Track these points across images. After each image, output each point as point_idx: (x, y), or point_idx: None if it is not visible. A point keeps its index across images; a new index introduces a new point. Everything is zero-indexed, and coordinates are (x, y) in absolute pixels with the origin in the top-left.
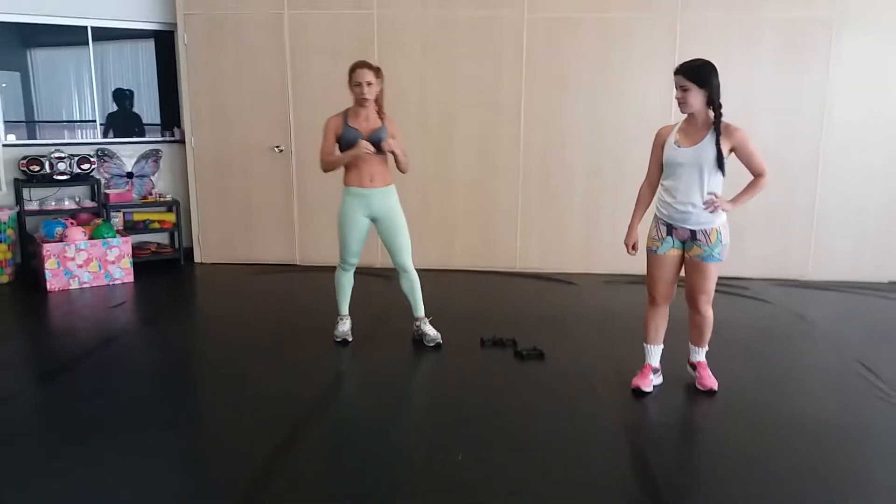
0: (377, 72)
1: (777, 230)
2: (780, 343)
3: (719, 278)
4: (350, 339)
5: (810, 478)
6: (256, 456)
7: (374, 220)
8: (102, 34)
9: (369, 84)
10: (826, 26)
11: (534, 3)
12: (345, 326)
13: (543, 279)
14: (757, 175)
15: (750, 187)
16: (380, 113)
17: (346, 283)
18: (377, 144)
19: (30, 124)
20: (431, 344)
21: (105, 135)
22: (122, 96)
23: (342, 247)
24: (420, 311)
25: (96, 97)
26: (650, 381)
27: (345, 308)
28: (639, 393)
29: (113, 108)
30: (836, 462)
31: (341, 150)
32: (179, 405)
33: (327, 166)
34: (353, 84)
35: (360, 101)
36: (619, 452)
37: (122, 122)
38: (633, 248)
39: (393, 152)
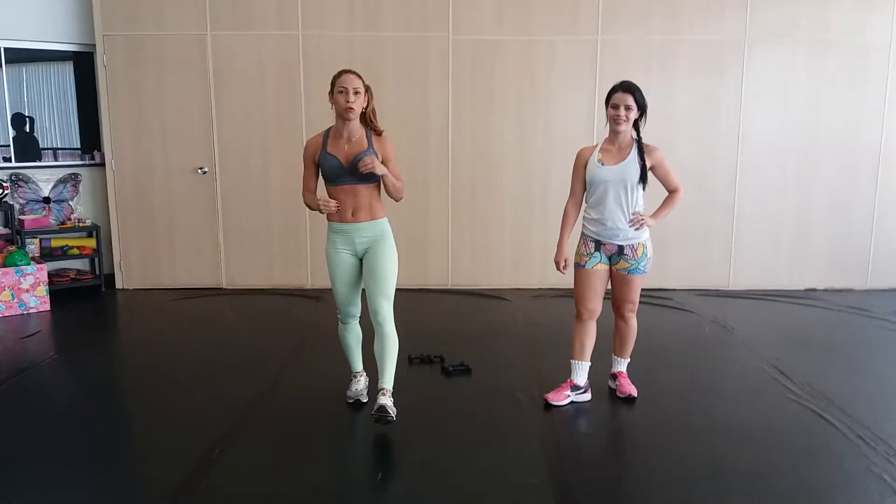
0: (366, 86)
1: (699, 242)
2: (700, 351)
3: (644, 290)
4: (365, 401)
5: (724, 480)
6: (169, 483)
7: (361, 258)
8: (17, 55)
9: (356, 92)
10: (738, 46)
11: (459, 26)
12: (359, 385)
13: (475, 295)
14: (673, 191)
15: (668, 203)
16: (373, 129)
17: (351, 341)
18: (357, 169)
19: None
20: (377, 416)
21: (6, 160)
22: (21, 120)
23: (334, 294)
24: (385, 380)
25: (9, 121)
26: (564, 396)
27: (357, 363)
28: (550, 406)
29: (13, 132)
30: (749, 464)
31: (325, 179)
32: (91, 435)
33: (305, 203)
34: (337, 90)
35: (344, 114)
36: (538, 465)
37: (24, 146)
38: (564, 266)
39: (376, 173)
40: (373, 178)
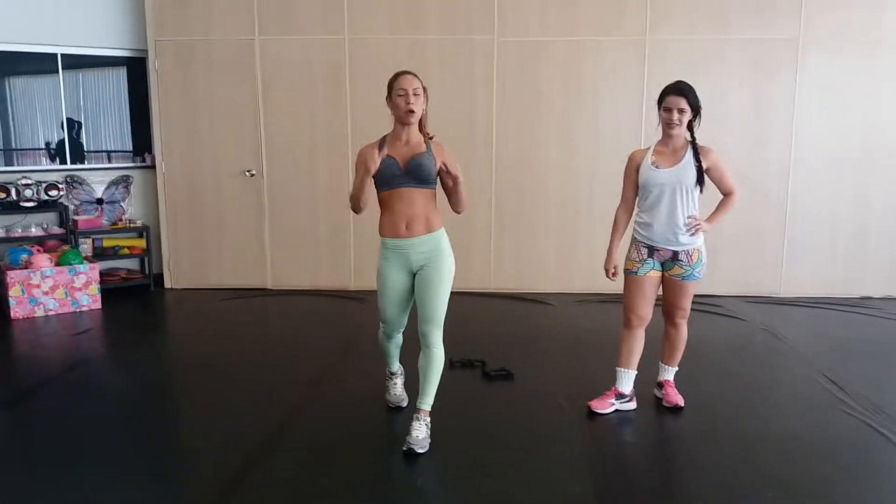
0: (424, 87)
1: (749, 248)
2: (751, 360)
3: (693, 296)
4: (405, 404)
5: (776, 494)
6: (213, 484)
7: (415, 275)
8: (73, 62)
9: (416, 95)
10: (792, 46)
11: (504, 28)
12: (396, 389)
13: (518, 299)
14: (728, 194)
15: (723, 206)
16: (422, 132)
17: (391, 349)
18: (417, 173)
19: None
20: (405, 448)
21: (52, 160)
22: (70, 125)
23: (380, 314)
24: (425, 401)
25: (66, 125)
26: (608, 405)
27: (395, 364)
28: (593, 414)
29: (69, 135)
30: (802, 477)
31: (377, 184)
32: (136, 433)
33: (353, 201)
34: (396, 94)
35: (405, 117)
36: (581, 474)
37: (65, 149)
38: (614, 273)
39: (451, 178)
40: (430, 182)
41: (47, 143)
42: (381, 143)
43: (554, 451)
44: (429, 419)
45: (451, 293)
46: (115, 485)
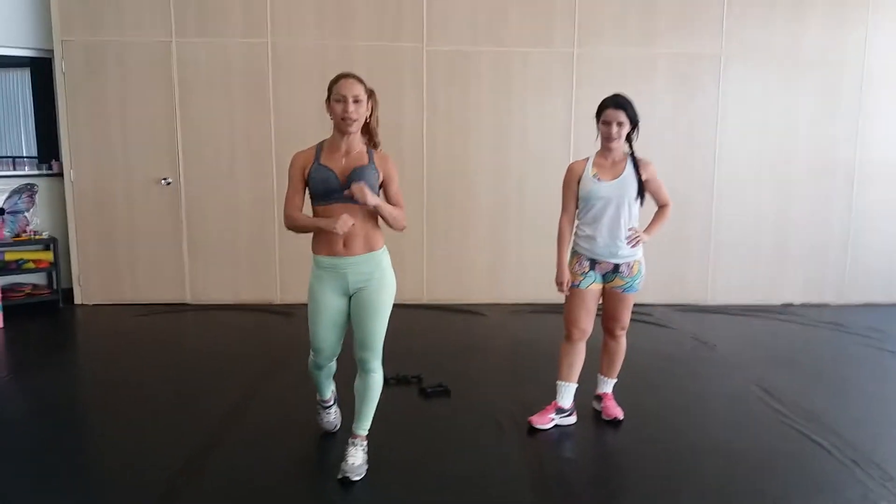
0: (369, 91)
1: (678, 257)
2: (683, 369)
3: None
4: (337, 430)
5: None
6: None
7: (350, 297)
8: None
9: (357, 101)
10: (715, 61)
11: (432, 36)
12: (330, 416)
13: (452, 311)
14: (664, 205)
15: (659, 217)
16: (371, 142)
17: (322, 378)
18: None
19: None
20: (341, 476)
21: None
22: None
23: (311, 338)
24: (362, 426)
25: None
26: (548, 420)
27: (327, 392)
28: (534, 430)
29: None
30: (742, 490)
31: (311, 196)
32: (42, 464)
33: (291, 225)
34: (334, 99)
35: (342, 125)
36: (520, 491)
37: None
38: (567, 285)
39: (368, 203)
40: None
41: None
42: (318, 151)
43: (494, 470)
44: (366, 444)
45: None
46: None
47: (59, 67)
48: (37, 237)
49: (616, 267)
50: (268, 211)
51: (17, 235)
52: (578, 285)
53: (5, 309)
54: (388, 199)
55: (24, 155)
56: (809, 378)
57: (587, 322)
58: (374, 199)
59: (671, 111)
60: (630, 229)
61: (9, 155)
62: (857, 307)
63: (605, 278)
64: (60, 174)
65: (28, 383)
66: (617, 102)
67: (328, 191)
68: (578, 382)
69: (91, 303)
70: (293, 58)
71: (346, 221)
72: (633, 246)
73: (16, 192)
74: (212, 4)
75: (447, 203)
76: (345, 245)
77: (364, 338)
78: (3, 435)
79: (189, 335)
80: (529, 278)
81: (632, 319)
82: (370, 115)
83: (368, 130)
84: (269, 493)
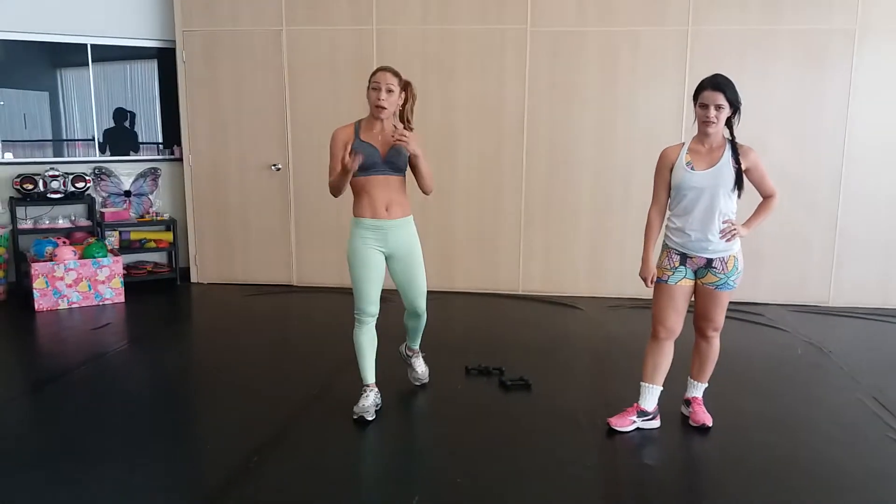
0: (404, 83)
1: (796, 253)
2: (791, 376)
3: (732, 304)
4: (370, 419)
5: None
6: (203, 486)
7: (388, 256)
8: (103, 53)
9: (389, 91)
10: (847, 37)
11: (537, 17)
12: (367, 401)
13: (547, 303)
14: (768, 196)
15: (762, 210)
16: (405, 126)
17: (366, 344)
18: (396, 162)
19: (28, 143)
20: (418, 383)
21: (103, 152)
22: (122, 115)
23: (356, 294)
24: (417, 343)
25: (94, 116)
26: (629, 422)
27: (370, 374)
28: (613, 432)
29: (110, 125)
30: None
31: (355, 172)
32: (140, 427)
33: (331, 189)
34: (372, 87)
35: (375, 112)
36: (589, 495)
37: (117, 139)
38: (652, 280)
39: (412, 156)
40: (404, 170)
41: (93, 136)
42: (357, 129)
43: (567, 471)
44: (422, 355)
45: (478, 294)
46: (124, 472)
47: (179, 57)
48: (159, 218)
49: (709, 262)
50: None
51: (142, 216)
52: (667, 280)
53: (128, 285)
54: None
55: (151, 141)
56: None
57: (675, 320)
58: (417, 148)
59: (794, 94)
60: (725, 222)
61: (141, 141)
62: None
63: (697, 274)
64: (181, 159)
65: (144, 352)
66: (715, 83)
67: (371, 164)
68: (665, 386)
69: (206, 281)
70: (397, 44)
71: (356, 158)
72: (727, 240)
73: (141, 175)
74: None
75: (547, 191)
76: (387, 210)
77: (416, 289)
78: (117, 395)
79: (291, 315)
80: (631, 271)
81: (740, 319)
82: (404, 104)
83: (403, 118)
84: (337, 473)
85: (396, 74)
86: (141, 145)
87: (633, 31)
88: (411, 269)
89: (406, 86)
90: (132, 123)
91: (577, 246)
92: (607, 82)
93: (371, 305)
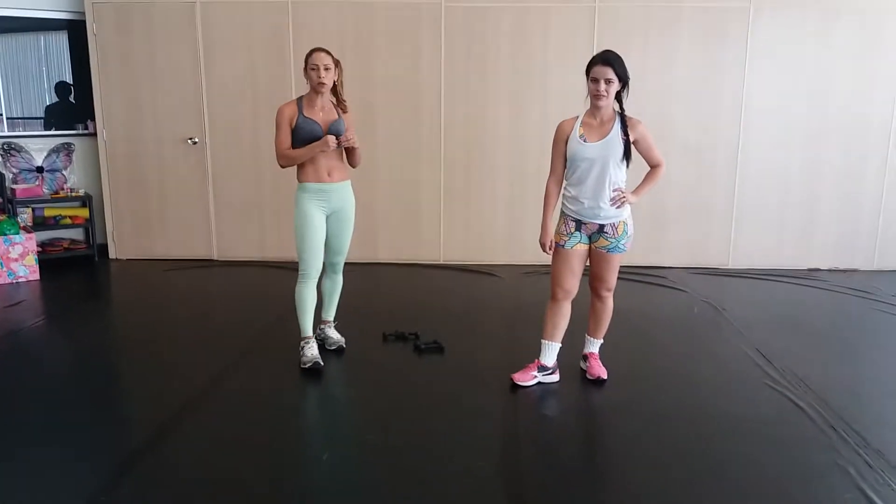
0: (335, 60)
1: (698, 219)
2: (684, 332)
3: (638, 267)
4: (322, 364)
5: (685, 470)
6: (119, 454)
7: (328, 216)
8: (9, 24)
9: (327, 69)
10: (742, 14)
11: None
12: (313, 350)
13: (467, 271)
14: (655, 165)
15: (650, 178)
16: (340, 104)
17: (309, 299)
18: (334, 135)
19: None
20: (333, 347)
21: (47, 127)
22: (65, 89)
23: (303, 252)
24: (331, 314)
25: (1, 89)
26: (531, 377)
27: (310, 328)
28: (516, 387)
29: (53, 100)
30: (713, 453)
31: (295, 143)
32: (56, 400)
33: (287, 161)
34: (310, 67)
35: (317, 88)
36: (491, 448)
37: (62, 114)
38: (551, 247)
39: (351, 147)
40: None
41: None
42: (299, 105)
43: (470, 425)
44: (334, 324)
45: (400, 265)
46: (35, 444)
47: (90, 29)
48: (73, 194)
49: (601, 227)
50: (290, 169)
51: (56, 192)
52: (563, 245)
53: (44, 262)
54: None
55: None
56: (815, 345)
57: (571, 282)
58: (356, 142)
59: (695, 68)
60: (615, 190)
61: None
62: (890, 273)
63: (591, 239)
64: (95, 134)
65: (59, 328)
66: (605, 59)
67: (315, 137)
68: (564, 343)
69: (124, 257)
70: (313, 17)
71: (332, 141)
72: (617, 207)
73: (54, 150)
74: None
75: (465, 163)
76: (329, 174)
77: (340, 247)
78: (32, 371)
79: (211, 289)
80: None
81: (643, 282)
82: (337, 80)
83: (335, 92)
84: (253, 434)
85: (329, 53)
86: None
87: (542, 6)
88: (345, 227)
89: (336, 63)
90: (73, 98)
91: (496, 216)
92: (520, 57)
93: (318, 261)
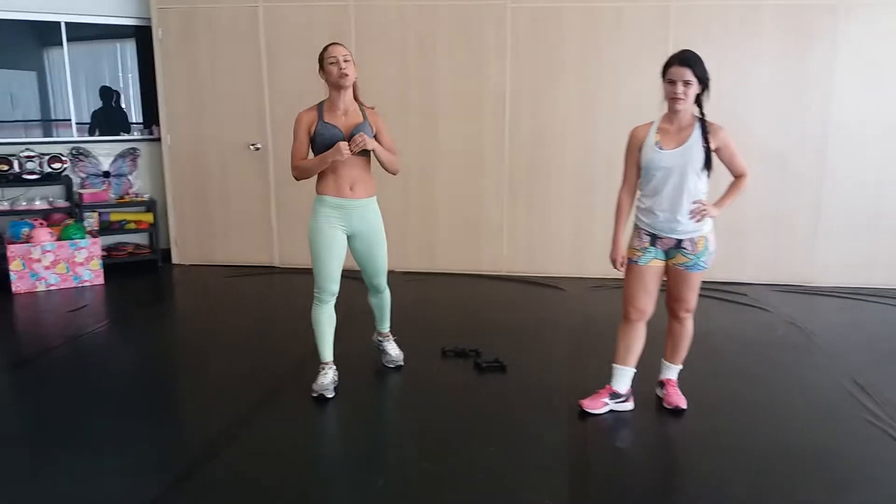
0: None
1: (780, 232)
2: (770, 357)
3: (716, 284)
4: (330, 396)
5: None
6: (190, 457)
7: (350, 236)
8: (78, 31)
9: (347, 60)
10: (831, 12)
11: None
12: (326, 378)
13: (530, 283)
14: (739, 176)
15: (734, 189)
16: (359, 103)
17: (325, 322)
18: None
19: (3, 123)
20: (392, 366)
21: (91, 133)
22: (108, 94)
23: (317, 272)
24: (386, 326)
25: (71, 96)
26: (602, 404)
27: (328, 352)
28: (585, 414)
29: (98, 105)
30: (800, 496)
31: (316, 151)
32: (123, 404)
33: (300, 173)
34: (328, 62)
35: (340, 81)
36: (559, 482)
37: (107, 119)
38: (621, 263)
39: (368, 149)
40: (367, 151)
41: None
42: (320, 110)
43: (535, 454)
44: (392, 337)
45: (461, 275)
46: (96, 453)
47: (155, 35)
48: (138, 199)
49: (679, 243)
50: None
51: (121, 197)
52: (637, 261)
53: (108, 266)
54: (383, 147)
55: (131, 121)
56: None
57: (646, 301)
58: (373, 143)
59: (778, 70)
60: (695, 202)
61: (118, 120)
62: None
63: (668, 255)
64: (160, 139)
65: (121, 333)
66: (682, 58)
67: (336, 144)
68: (639, 368)
69: (187, 263)
70: (374, 19)
71: (346, 147)
72: (697, 221)
73: (120, 156)
74: None
75: (531, 171)
76: (352, 189)
77: (376, 267)
78: (91, 376)
79: (272, 296)
80: None
81: (722, 299)
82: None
83: (355, 91)
84: (308, 450)
85: (346, 47)
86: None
87: (613, 6)
88: (373, 248)
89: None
90: (117, 103)
91: (561, 226)
92: (590, 59)
93: (332, 284)
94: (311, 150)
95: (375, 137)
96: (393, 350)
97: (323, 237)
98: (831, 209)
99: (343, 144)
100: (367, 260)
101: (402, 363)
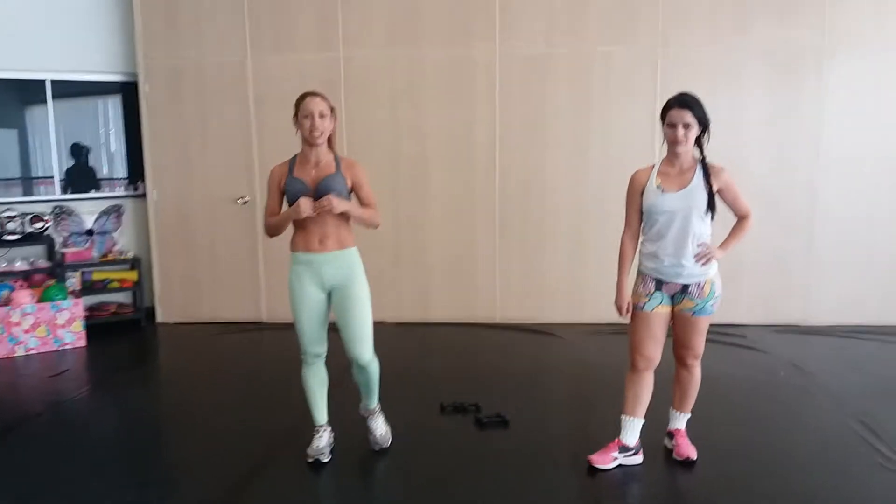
0: (331, 108)
1: (774, 272)
2: (773, 400)
3: (712, 325)
4: (326, 460)
5: None
6: None
7: (330, 292)
8: (63, 88)
9: (322, 116)
10: (816, 52)
11: (506, 38)
12: (321, 442)
13: (526, 331)
14: (743, 217)
15: (737, 231)
16: (334, 154)
17: (315, 384)
18: (327, 195)
19: None
20: (377, 448)
21: (65, 191)
22: (79, 150)
23: (298, 332)
24: (373, 403)
25: (54, 153)
26: (611, 459)
27: (322, 415)
28: (594, 470)
29: (70, 163)
30: None
31: (289, 205)
32: (102, 474)
33: (269, 229)
34: (302, 115)
35: (309, 139)
36: None
37: (79, 176)
38: (627, 310)
39: (334, 212)
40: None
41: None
42: (291, 164)
43: None
44: (381, 414)
45: (455, 324)
46: None
47: (142, 90)
48: (122, 257)
49: (684, 287)
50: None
51: (105, 255)
52: (643, 308)
53: (91, 328)
54: (360, 201)
55: (114, 177)
56: None
57: (653, 349)
58: (341, 206)
59: (767, 111)
60: (700, 245)
61: (99, 177)
62: None
63: (674, 300)
64: (144, 195)
65: (103, 399)
66: (682, 101)
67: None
68: (647, 417)
69: (171, 321)
70: (365, 70)
71: (305, 204)
72: (703, 264)
73: (104, 213)
74: (285, 21)
75: (523, 217)
76: (320, 243)
77: (353, 331)
78: (79, 442)
79: (261, 353)
80: (611, 295)
81: (720, 342)
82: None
83: (329, 141)
84: None
85: (325, 98)
86: (104, 182)
87: (602, 51)
88: (350, 307)
89: (332, 109)
90: (86, 159)
91: (555, 271)
92: (579, 105)
93: (312, 345)
94: (285, 202)
95: (353, 189)
96: (378, 429)
97: (296, 296)
98: (824, 247)
99: (304, 201)
100: (342, 322)
101: (387, 445)
